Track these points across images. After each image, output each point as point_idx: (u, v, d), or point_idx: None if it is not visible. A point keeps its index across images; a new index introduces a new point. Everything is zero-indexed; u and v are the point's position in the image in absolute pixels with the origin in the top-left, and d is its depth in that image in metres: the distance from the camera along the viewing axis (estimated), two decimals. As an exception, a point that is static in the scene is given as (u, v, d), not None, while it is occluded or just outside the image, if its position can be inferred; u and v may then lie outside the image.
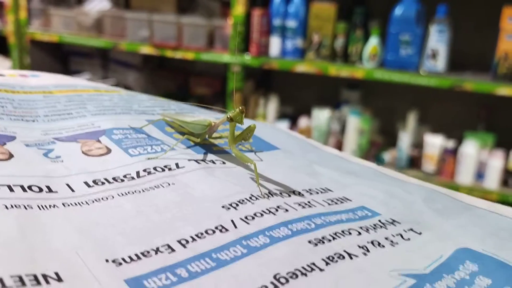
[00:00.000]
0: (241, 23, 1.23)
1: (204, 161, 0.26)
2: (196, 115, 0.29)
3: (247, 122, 0.27)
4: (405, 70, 1.12)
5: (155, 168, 0.24)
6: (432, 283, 0.18)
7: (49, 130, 0.27)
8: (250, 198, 0.22)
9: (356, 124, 1.24)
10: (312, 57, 1.23)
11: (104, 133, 0.27)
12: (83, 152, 0.25)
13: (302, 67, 1.22)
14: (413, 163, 1.22)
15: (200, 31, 1.30)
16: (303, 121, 1.32)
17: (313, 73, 1.22)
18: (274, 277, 0.17)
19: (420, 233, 0.22)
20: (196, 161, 0.26)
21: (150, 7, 1.41)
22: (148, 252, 0.18)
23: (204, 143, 0.28)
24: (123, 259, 0.17)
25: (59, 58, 1.66)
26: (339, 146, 1.28)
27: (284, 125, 1.33)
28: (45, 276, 0.15)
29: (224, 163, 0.26)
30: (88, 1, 1.49)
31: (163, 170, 0.24)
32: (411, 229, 0.22)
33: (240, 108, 0.25)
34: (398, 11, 1.10)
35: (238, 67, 1.26)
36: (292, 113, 1.40)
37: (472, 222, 0.24)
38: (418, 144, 1.23)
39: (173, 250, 0.18)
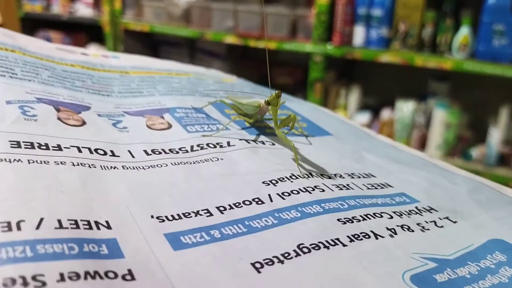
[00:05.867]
0: (325, 12, 1.22)
1: (255, 142, 0.27)
2: (253, 98, 0.30)
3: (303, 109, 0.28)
4: (498, 62, 1.05)
5: (208, 144, 0.26)
6: (454, 269, 0.18)
7: (120, 104, 0.30)
8: (290, 177, 0.24)
9: (442, 117, 1.19)
10: (398, 47, 1.19)
11: (168, 111, 0.29)
12: (147, 125, 0.27)
13: (386, 57, 1.18)
14: (503, 160, 1.15)
15: (283, 21, 1.30)
16: (385, 113, 1.28)
17: (398, 63, 1.18)
18: (298, 246, 0.18)
19: (455, 222, 0.22)
20: (246, 140, 0.27)
21: (236, -3, 1.43)
22: (189, 214, 0.19)
23: (258, 125, 0.29)
24: (166, 217, 0.19)
25: (150, 47, 1.74)
26: (423, 139, 1.23)
27: (365, 116, 1.30)
28: (97, 223, 0.18)
29: (273, 144, 0.27)
30: (177, -8, 1.54)
31: (215, 146, 0.26)
32: (447, 217, 0.22)
33: (277, 92, 0.27)
34: (492, -1, 1.03)
35: (320, 57, 1.25)
36: (375, 104, 1.37)
37: None
38: (510, 141, 1.15)
39: (211, 214, 0.20)
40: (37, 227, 0.16)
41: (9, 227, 0.16)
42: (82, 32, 1.88)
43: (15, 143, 0.21)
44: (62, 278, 0.14)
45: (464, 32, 1.09)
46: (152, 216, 0.19)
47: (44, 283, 0.14)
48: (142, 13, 1.58)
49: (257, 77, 1.64)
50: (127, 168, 0.22)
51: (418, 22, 1.16)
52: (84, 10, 1.74)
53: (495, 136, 1.14)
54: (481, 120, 1.23)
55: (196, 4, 1.46)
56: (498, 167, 1.13)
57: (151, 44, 1.74)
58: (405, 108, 1.24)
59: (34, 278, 0.14)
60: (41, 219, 0.17)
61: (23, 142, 0.21)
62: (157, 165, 0.23)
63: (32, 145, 0.21)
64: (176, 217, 0.19)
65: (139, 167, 0.22)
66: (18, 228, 0.16)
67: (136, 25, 1.57)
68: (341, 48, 1.22)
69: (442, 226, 0.21)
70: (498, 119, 1.16)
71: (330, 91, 1.34)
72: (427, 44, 1.17)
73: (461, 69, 1.10)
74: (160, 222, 0.19)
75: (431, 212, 0.22)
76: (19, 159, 0.20)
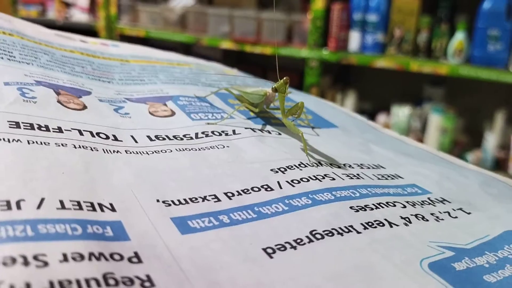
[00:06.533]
0: (321, 18, 1.22)
1: (261, 131, 0.27)
2: (257, 87, 0.30)
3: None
4: (493, 66, 1.06)
5: (213, 132, 0.25)
6: (472, 258, 0.18)
7: (122, 91, 0.29)
8: (299, 165, 0.23)
9: (438, 122, 1.19)
10: (393, 52, 1.19)
11: (171, 99, 0.29)
12: (150, 112, 0.27)
13: (382, 63, 1.18)
14: (499, 165, 1.15)
15: (279, 26, 1.31)
16: (381, 118, 1.28)
17: (393, 68, 1.18)
18: (311, 232, 0.18)
19: (469, 213, 0.21)
20: (252, 129, 0.27)
21: (231, 2, 1.43)
22: (196, 199, 0.19)
23: (264, 115, 0.29)
24: (172, 201, 0.18)
25: (145, 52, 1.74)
26: (419, 144, 1.23)
27: (361, 121, 1.30)
28: (100, 205, 0.17)
29: (279, 134, 0.27)
30: (173, -3, 1.54)
31: (220, 134, 0.25)
32: (461, 209, 0.22)
33: (284, 78, 0.26)
34: (486, 4, 1.04)
35: (315, 62, 1.26)
36: (371, 109, 1.37)
37: None
38: (505, 146, 1.15)
39: (219, 200, 0.19)
40: (38, 207, 0.16)
41: (8, 206, 0.15)
42: (77, 37, 1.88)
43: (14, 123, 0.21)
44: (65, 258, 0.14)
45: (459, 37, 1.09)
46: (157, 200, 0.18)
47: (46, 263, 0.13)
48: (138, 18, 1.58)
49: (253, 82, 1.63)
50: (130, 153, 0.22)
51: (413, 27, 1.16)
52: (79, 16, 1.74)
53: (491, 140, 1.14)
54: (477, 125, 1.24)
55: (192, 9, 1.47)
56: (494, 171, 1.13)
57: (146, 49, 1.74)
58: (401, 113, 1.25)
59: (35, 257, 0.13)
60: (42, 199, 0.16)
61: (22, 123, 0.21)
62: (161, 151, 0.22)
63: (31, 126, 0.21)
64: (183, 201, 0.19)
65: (142, 152, 0.22)
66: (18, 207, 0.15)
67: (132, 30, 1.57)
68: (337, 53, 1.23)
69: (456, 217, 0.21)
70: (493, 123, 1.16)
71: (326, 96, 1.34)
72: (422, 49, 1.17)
73: (457, 74, 1.10)
74: (166, 206, 0.18)
75: (444, 203, 0.22)
76: (18, 139, 0.20)
